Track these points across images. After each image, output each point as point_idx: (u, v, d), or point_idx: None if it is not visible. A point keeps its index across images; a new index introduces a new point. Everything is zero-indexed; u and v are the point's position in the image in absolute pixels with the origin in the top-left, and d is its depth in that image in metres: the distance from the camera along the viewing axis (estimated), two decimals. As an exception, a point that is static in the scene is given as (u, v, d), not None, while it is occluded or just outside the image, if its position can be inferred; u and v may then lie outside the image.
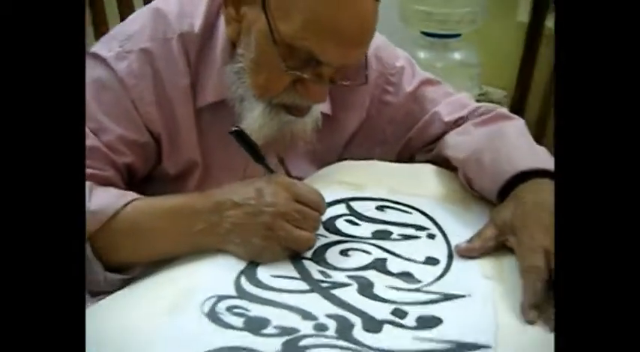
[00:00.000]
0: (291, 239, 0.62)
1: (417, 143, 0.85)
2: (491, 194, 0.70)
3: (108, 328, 0.57)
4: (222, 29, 0.73)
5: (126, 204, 0.66)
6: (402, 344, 0.54)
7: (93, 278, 0.65)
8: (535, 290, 0.58)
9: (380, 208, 0.73)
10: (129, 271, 0.67)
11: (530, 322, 0.56)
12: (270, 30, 0.65)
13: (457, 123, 0.82)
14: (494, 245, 0.65)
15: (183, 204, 0.66)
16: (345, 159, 0.85)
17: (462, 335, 0.55)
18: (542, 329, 0.56)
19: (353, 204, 0.73)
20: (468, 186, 0.74)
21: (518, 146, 0.72)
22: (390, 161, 0.84)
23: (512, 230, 0.64)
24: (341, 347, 0.53)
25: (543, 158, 0.69)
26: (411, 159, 0.86)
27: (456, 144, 0.78)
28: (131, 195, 0.67)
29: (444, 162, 0.81)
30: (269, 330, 0.55)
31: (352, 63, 0.69)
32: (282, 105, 0.70)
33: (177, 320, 0.56)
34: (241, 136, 0.66)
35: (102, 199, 0.65)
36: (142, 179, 0.77)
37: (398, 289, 0.61)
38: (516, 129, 0.77)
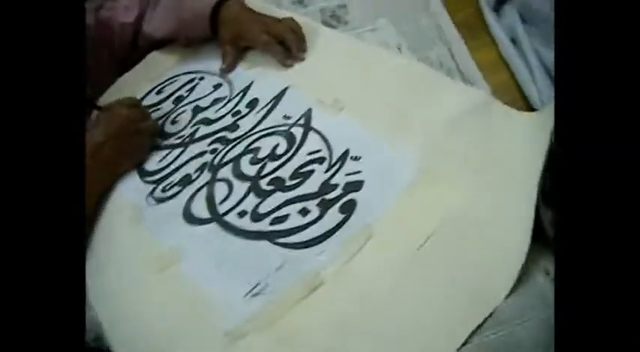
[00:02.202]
0: (152, 129, 0.89)
1: (132, 49, 1.05)
2: (205, 31, 0.97)
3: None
4: None
5: None
6: (267, 122, 0.86)
7: None
8: (275, 52, 0.92)
9: (158, 92, 1.00)
10: None
11: (287, 65, 0.92)
12: None
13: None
14: (239, 53, 0.97)
15: None
16: None
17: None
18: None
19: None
20: (189, 42, 1.01)
21: None
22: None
23: (238, 36, 0.95)
24: (234, 146, 0.84)
25: None
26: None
27: (150, 24, 1.02)
28: None
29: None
30: (195, 176, 0.83)
31: None
32: None
33: (143, 220, 0.80)
34: None
35: None
36: None
37: (219, 109, 0.91)
38: None
